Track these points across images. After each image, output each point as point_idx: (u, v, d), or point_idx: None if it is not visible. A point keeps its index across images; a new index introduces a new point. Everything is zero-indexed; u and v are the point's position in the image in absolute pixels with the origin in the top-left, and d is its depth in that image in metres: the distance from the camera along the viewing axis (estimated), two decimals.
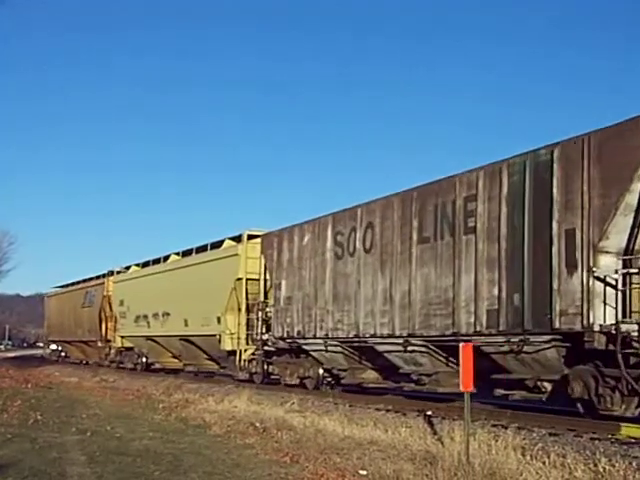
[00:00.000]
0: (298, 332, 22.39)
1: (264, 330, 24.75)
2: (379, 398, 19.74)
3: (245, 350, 26.45)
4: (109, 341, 42.63)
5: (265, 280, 25.33)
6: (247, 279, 26.62)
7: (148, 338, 35.80)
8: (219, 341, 27.68)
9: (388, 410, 16.94)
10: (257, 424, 14.50)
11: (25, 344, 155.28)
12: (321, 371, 22.58)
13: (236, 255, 27.19)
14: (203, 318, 28.98)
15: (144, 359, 38.28)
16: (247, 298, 26.78)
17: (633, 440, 12.03)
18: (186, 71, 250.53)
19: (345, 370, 21.61)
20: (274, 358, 24.76)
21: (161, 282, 33.80)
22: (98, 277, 46.14)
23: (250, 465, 10.36)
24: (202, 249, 31.23)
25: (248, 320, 26.54)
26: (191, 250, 32.39)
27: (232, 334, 26.92)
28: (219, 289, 27.61)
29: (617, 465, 9.76)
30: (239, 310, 26.93)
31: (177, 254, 34.13)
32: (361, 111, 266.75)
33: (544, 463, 10.07)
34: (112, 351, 42.17)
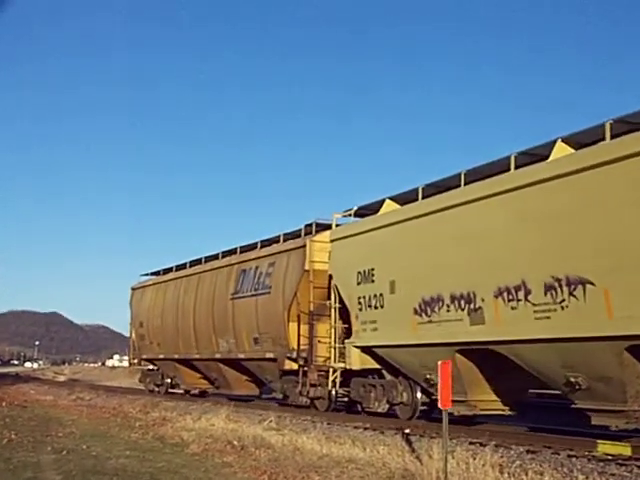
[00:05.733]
0: None
1: None
2: (356, 416, 19.68)
3: None
4: (311, 361, 21.71)
5: None
6: None
7: (469, 348, 16.16)
8: None
9: (366, 428, 16.91)
10: (235, 442, 14.42)
11: None
12: None
13: None
14: None
15: (418, 395, 18.55)
16: None
17: (610, 457, 12.10)
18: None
19: None
20: None
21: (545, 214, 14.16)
22: (273, 240, 25.98)
23: None
24: None
25: None
26: None
27: None
28: None
29: None
30: None
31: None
32: None
33: None
34: (333, 378, 20.73)
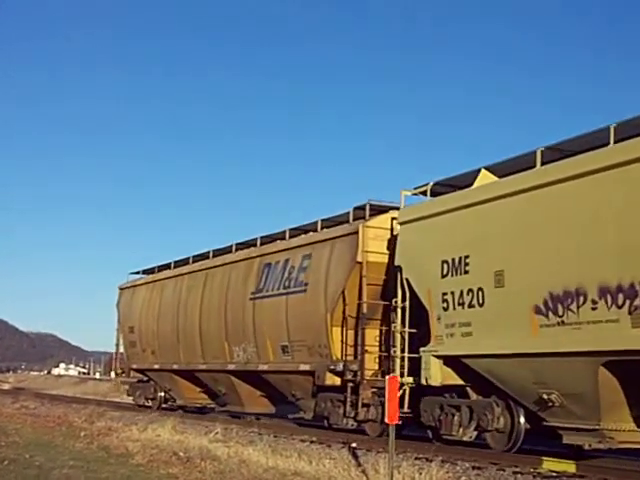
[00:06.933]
0: None
1: None
2: (304, 429, 19.63)
3: None
4: (363, 376, 17.50)
5: None
6: None
7: (624, 359, 11.89)
8: None
9: (312, 441, 16.89)
10: (181, 453, 14.30)
11: None
12: None
13: None
14: None
15: (521, 419, 14.37)
16: None
17: (554, 474, 12.21)
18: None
19: None
20: None
21: None
22: (304, 229, 21.60)
23: None
24: None
25: None
26: None
27: None
28: None
29: None
30: None
31: None
32: None
33: None
34: (400, 396, 14.65)
